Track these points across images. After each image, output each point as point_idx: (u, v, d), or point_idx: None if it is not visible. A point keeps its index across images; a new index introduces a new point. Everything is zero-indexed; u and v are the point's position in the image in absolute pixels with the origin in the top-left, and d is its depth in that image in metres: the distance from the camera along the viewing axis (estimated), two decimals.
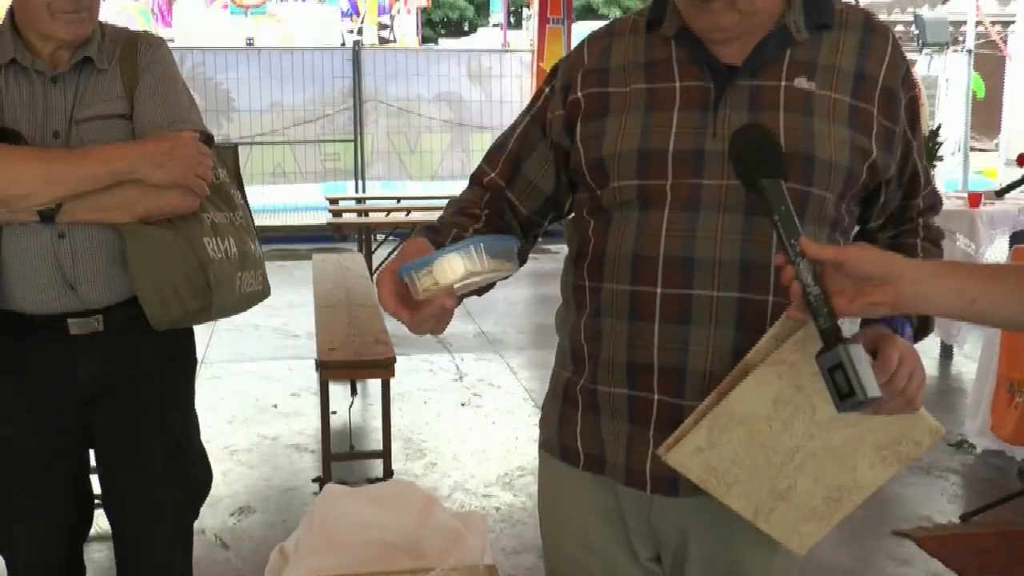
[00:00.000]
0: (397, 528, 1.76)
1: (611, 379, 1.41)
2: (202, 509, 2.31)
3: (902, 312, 1.21)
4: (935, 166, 5.52)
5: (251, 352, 5.94)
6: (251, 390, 5.21)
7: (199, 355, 2.29)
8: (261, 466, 4.21)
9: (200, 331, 2.22)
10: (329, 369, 3.72)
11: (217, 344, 5.92)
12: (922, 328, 1.44)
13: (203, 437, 2.29)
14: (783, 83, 1.35)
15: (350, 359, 3.72)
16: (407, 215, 7.46)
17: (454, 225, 1.44)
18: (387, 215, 7.63)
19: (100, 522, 2.25)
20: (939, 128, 5.65)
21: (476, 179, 1.55)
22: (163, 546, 2.18)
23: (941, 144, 5.58)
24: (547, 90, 1.51)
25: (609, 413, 1.42)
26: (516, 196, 1.51)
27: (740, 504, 1.32)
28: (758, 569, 1.46)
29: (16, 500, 2.10)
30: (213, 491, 2.32)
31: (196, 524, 2.32)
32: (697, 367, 1.33)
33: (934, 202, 1.51)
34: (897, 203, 1.47)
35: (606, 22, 1.57)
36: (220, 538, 3.54)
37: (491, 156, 1.55)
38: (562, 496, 1.55)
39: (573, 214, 1.54)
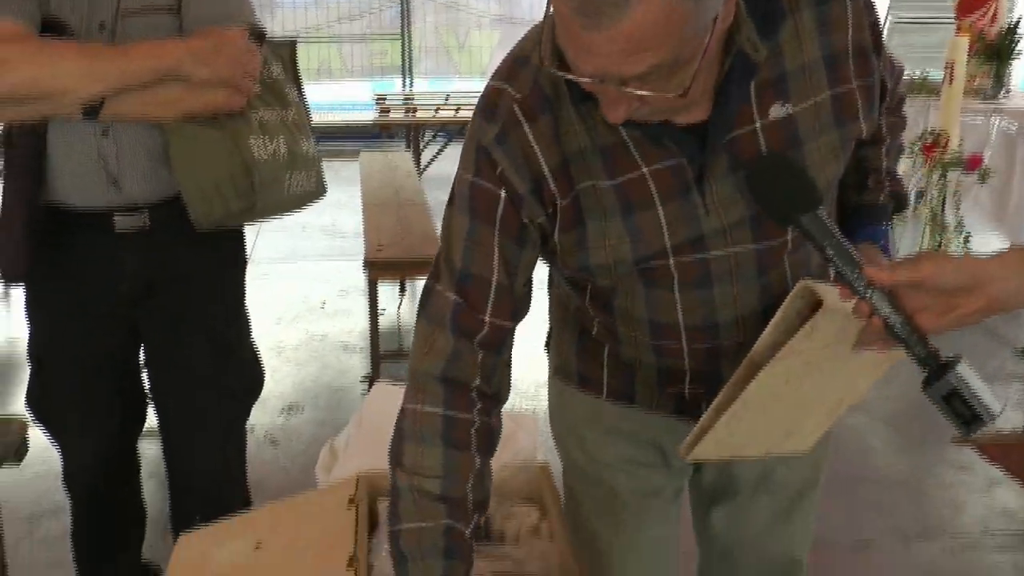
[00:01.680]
0: None
1: (642, 376, 1.38)
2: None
3: (998, 313, 1.09)
4: (1011, 63, 5.29)
5: (299, 251, 5.92)
6: (299, 289, 5.19)
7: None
8: (309, 365, 4.21)
9: (247, 230, 2.18)
10: (377, 268, 3.68)
11: (264, 243, 5.91)
12: (897, 209, 1.41)
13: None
14: (759, 123, 1.16)
15: (398, 258, 3.67)
16: (456, 112, 7.32)
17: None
18: (435, 112, 7.50)
19: (154, 418, 2.24)
20: (1017, 23, 5.36)
21: (466, 329, 1.18)
22: (208, 448, 2.18)
23: (1020, 39, 5.32)
24: (503, 196, 1.17)
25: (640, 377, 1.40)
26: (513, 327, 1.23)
27: (756, 454, 1.36)
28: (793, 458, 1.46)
29: (67, 397, 2.12)
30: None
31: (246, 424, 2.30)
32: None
33: (898, 78, 1.39)
34: None
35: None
36: (269, 436, 3.55)
37: (473, 297, 1.18)
38: (578, 415, 1.50)
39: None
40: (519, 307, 1.22)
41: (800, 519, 1.55)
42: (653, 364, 1.34)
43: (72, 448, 2.18)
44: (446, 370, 1.18)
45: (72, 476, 2.21)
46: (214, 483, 2.20)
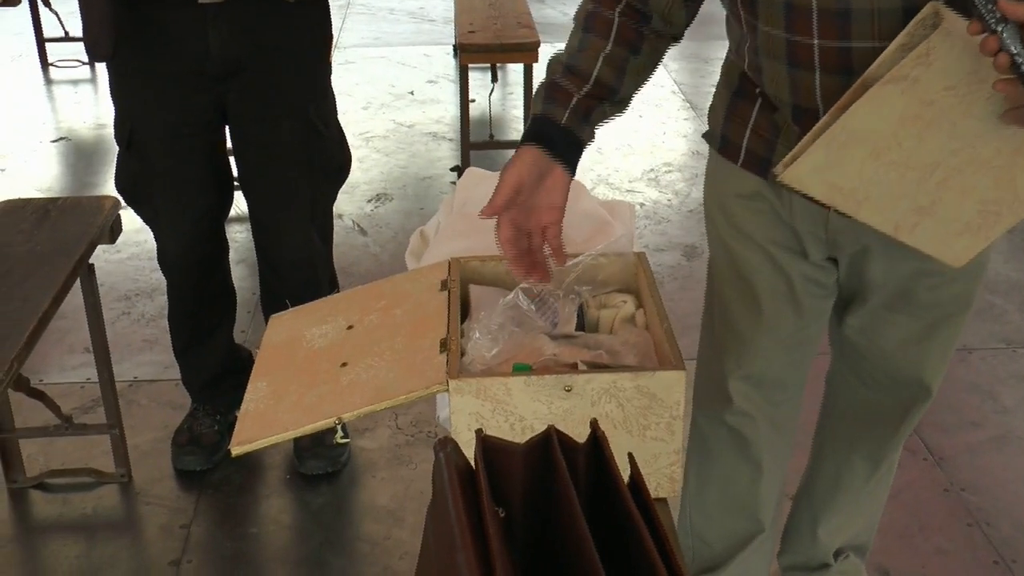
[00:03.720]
0: None
1: (783, 135, 1.30)
2: (339, 195, 2.26)
3: None
4: None
5: (386, 36, 5.77)
6: (387, 76, 5.08)
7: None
8: (398, 153, 4.15)
9: (332, 14, 2.10)
10: (468, 52, 3.55)
11: (350, 28, 5.77)
12: None
13: None
14: None
15: (490, 42, 3.52)
16: None
17: (576, 77, 1.29)
18: None
19: (241, 204, 2.22)
20: None
21: None
22: (295, 228, 2.16)
23: None
24: None
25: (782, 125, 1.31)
26: None
27: (876, 219, 1.22)
28: (938, 278, 1.38)
29: (156, 177, 2.12)
30: (349, 177, 2.25)
31: (333, 209, 2.27)
32: None
33: None
34: None
35: None
36: (358, 224, 3.54)
37: None
38: (721, 181, 1.46)
39: None
40: None
41: (938, 345, 1.48)
42: (788, 99, 1.26)
43: (163, 229, 2.19)
44: (586, 14, 1.34)
45: (165, 257, 2.22)
46: (303, 265, 2.19)
